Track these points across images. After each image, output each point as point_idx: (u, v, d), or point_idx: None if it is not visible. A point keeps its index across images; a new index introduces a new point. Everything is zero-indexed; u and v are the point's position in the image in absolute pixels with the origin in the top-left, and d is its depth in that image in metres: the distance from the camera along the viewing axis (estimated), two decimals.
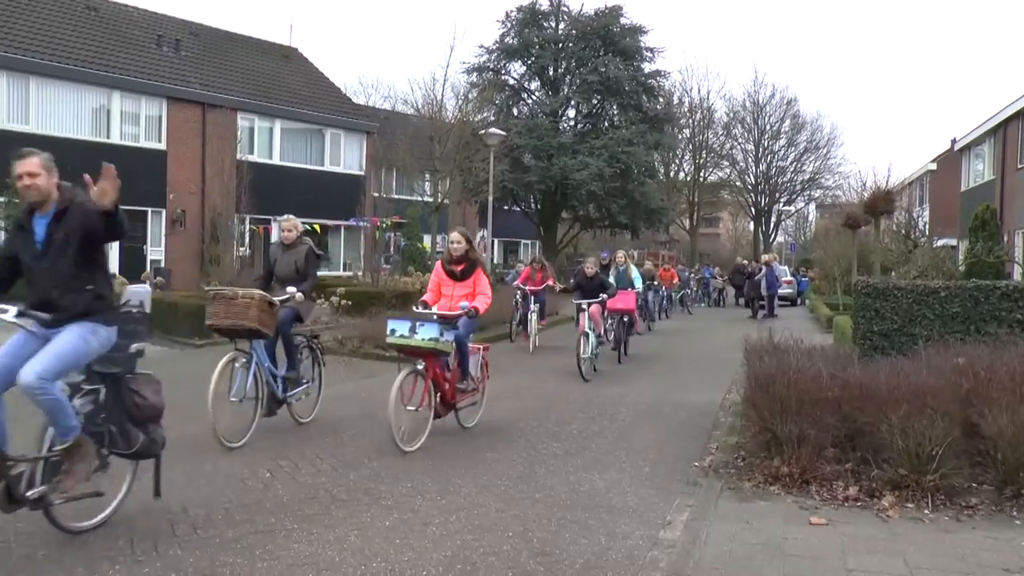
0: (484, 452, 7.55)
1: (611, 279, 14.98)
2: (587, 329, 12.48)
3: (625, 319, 14.68)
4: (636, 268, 17.11)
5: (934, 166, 38.40)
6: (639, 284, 16.18)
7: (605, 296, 13.19)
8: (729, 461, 7.17)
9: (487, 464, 7.12)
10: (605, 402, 10.34)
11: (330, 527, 5.35)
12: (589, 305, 12.89)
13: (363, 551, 4.96)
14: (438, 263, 8.54)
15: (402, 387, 7.38)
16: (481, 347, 8.86)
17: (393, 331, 7.53)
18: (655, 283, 23.70)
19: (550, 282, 17.57)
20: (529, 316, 16.33)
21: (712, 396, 10.89)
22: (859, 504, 5.90)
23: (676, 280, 28.39)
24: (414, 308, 8.42)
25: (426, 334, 7.47)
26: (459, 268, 8.30)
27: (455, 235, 8.45)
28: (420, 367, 7.61)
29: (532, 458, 7.39)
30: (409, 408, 7.50)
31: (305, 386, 8.41)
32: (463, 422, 8.50)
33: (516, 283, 17.66)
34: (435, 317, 7.81)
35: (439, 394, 7.91)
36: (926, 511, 5.73)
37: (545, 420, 9.12)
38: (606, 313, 14.18)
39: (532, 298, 16.57)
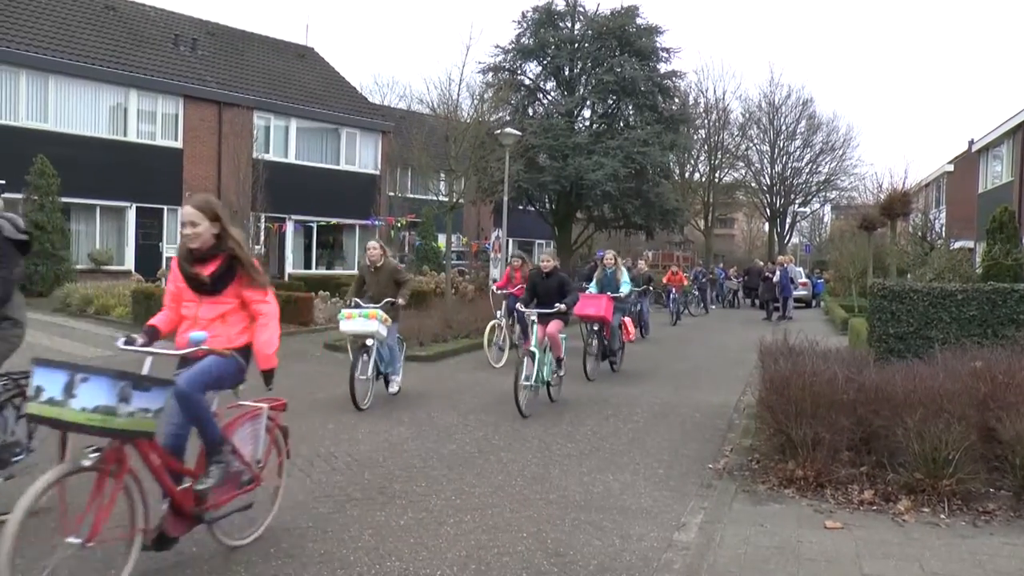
0: (499, 452, 7.55)
1: (593, 282, 13.60)
2: (533, 348, 9.62)
3: (596, 327, 12.44)
4: (628, 272, 14.35)
5: (951, 167, 38.17)
6: (625, 290, 13.19)
7: (563, 306, 10.09)
8: (743, 463, 7.16)
9: (501, 464, 7.12)
10: (619, 403, 10.33)
11: (344, 526, 5.37)
12: (543, 319, 9.99)
13: (377, 550, 4.97)
14: (174, 260, 4.88)
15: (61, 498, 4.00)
16: (264, 405, 5.05)
17: (38, 391, 3.85)
18: (651, 287, 21.44)
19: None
20: (528, 328, 11.30)
21: (727, 398, 10.87)
22: (874, 508, 5.88)
23: (685, 283, 27.16)
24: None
25: (87, 399, 3.83)
26: (207, 270, 4.69)
27: (188, 209, 4.68)
28: (92, 459, 3.94)
29: (546, 459, 7.39)
30: (71, 540, 3.83)
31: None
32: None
33: (496, 287, 14.58)
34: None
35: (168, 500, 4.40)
36: (942, 516, 5.70)
37: (559, 421, 9.11)
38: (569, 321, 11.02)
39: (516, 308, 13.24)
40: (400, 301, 9.67)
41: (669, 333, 21.12)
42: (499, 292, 14.21)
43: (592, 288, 13.35)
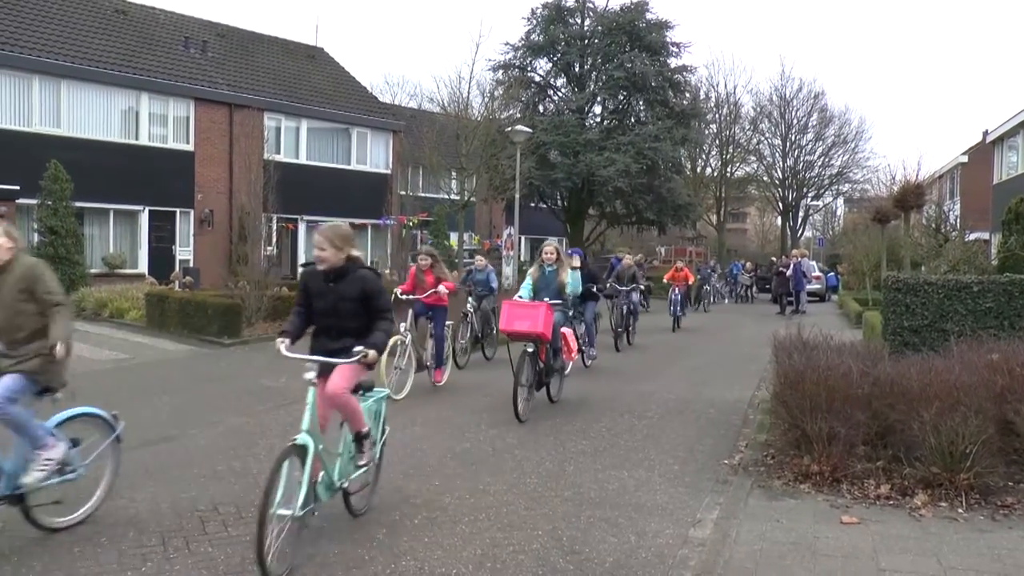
0: (512, 450, 7.55)
1: (526, 284, 9.98)
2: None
3: (530, 349, 9.04)
4: (575, 269, 11.13)
5: (965, 159, 37.91)
6: (571, 290, 10.08)
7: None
8: (759, 459, 7.13)
9: (516, 462, 7.12)
10: (633, 400, 10.31)
11: (359, 525, 5.38)
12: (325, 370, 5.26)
13: (392, 549, 4.98)
14: None
15: None
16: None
17: None
18: (637, 285, 17.10)
19: (445, 288, 10.65)
20: (425, 345, 10.84)
21: (741, 393, 10.83)
22: (891, 503, 5.85)
23: (692, 280, 23.28)
24: None
25: None
26: None
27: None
28: None
29: (561, 456, 7.38)
30: None
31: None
32: None
33: (400, 291, 10.65)
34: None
35: None
36: (960, 510, 5.67)
37: (573, 418, 9.10)
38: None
39: (421, 316, 10.76)
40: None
41: (671, 333, 19.81)
42: (403, 297, 10.59)
43: (524, 291, 9.82)
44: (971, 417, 5.79)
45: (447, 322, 11.04)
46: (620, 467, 7.03)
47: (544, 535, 5.27)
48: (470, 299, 13.37)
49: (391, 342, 9.26)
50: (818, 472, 6.24)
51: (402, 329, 9.98)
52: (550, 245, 10.14)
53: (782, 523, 5.47)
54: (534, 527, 5.42)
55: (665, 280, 22.14)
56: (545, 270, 9.90)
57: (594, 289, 13.12)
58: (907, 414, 6.11)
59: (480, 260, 14.23)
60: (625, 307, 16.23)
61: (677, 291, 20.79)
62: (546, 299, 9.46)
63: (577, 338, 11.37)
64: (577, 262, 12.61)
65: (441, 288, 10.50)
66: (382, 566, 4.71)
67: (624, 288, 16.30)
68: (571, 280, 9.99)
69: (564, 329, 10.18)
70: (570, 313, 10.98)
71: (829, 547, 5.03)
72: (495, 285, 14.10)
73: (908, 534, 5.25)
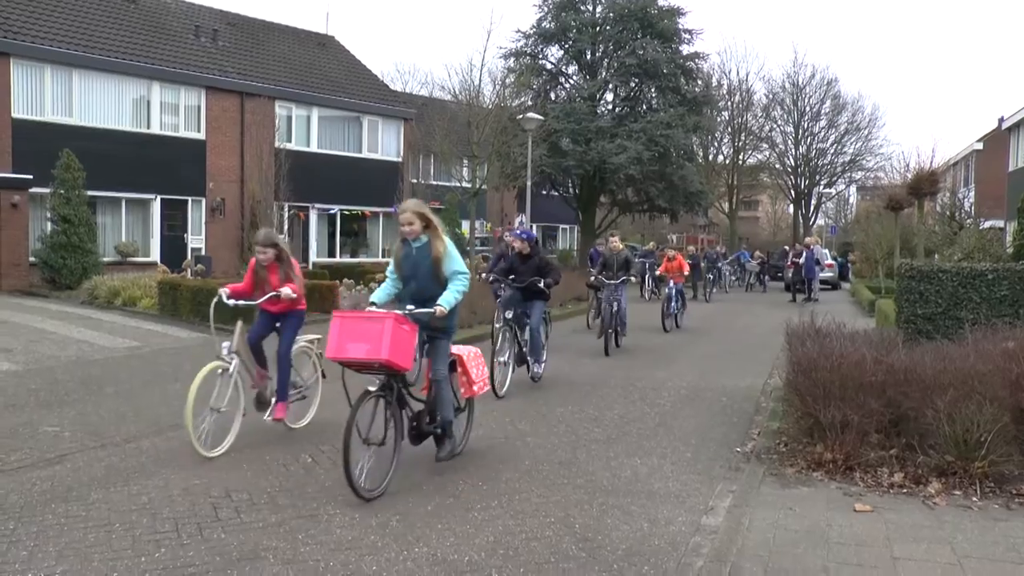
0: (525, 437, 7.55)
1: (389, 271, 6.58)
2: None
3: (373, 388, 5.87)
4: (456, 253, 6.45)
5: (980, 146, 37.63)
6: (450, 270, 6.26)
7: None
8: (771, 447, 7.11)
9: (528, 449, 7.12)
10: (646, 387, 10.30)
11: (372, 512, 5.39)
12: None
13: (405, 536, 4.99)
14: None
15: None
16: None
17: None
18: (632, 275, 14.03)
19: (287, 290, 7.27)
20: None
21: (754, 381, 10.81)
22: (904, 491, 5.82)
23: (686, 270, 19.34)
24: None
25: None
26: None
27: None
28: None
29: (573, 443, 7.38)
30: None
31: None
32: None
33: (229, 292, 7.32)
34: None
35: None
36: (974, 499, 5.64)
37: (586, 405, 9.09)
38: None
39: (259, 332, 7.55)
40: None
41: (669, 333, 17.69)
42: (230, 303, 7.23)
43: (378, 295, 6.35)
44: (986, 405, 5.75)
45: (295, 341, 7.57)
46: (633, 454, 7.02)
47: (557, 522, 5.28)
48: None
49: (203, 372, 6.67)
50: (831, 460, 6.22)
51: (224, 352, 6.96)
52: (407, 211, 6.22)
53: (795, 511, 5.45)
54: (547, 514, 5.42)
55: (658, 273, 19.27)
56: (412, 247, 6.28)
57: (541, 285, 10.15)
58: (921, 402, 6.08)
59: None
60: (616, 304, 13.20)
61: (673, 285, 17.95)
62: (409, 308, 6.03)
63: (496, 356, 9.32)
64: (522, 246, 10.44)
65: (285, 291, 7.21)
66: (395, 552, 4.72)
67: (613, 281, 13.38)
68: (454, 269, 6.23)
69: (460, 348, 6.88)
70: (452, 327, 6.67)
71: (842, 535, 5.01)
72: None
73: (922, 522, 5.23)
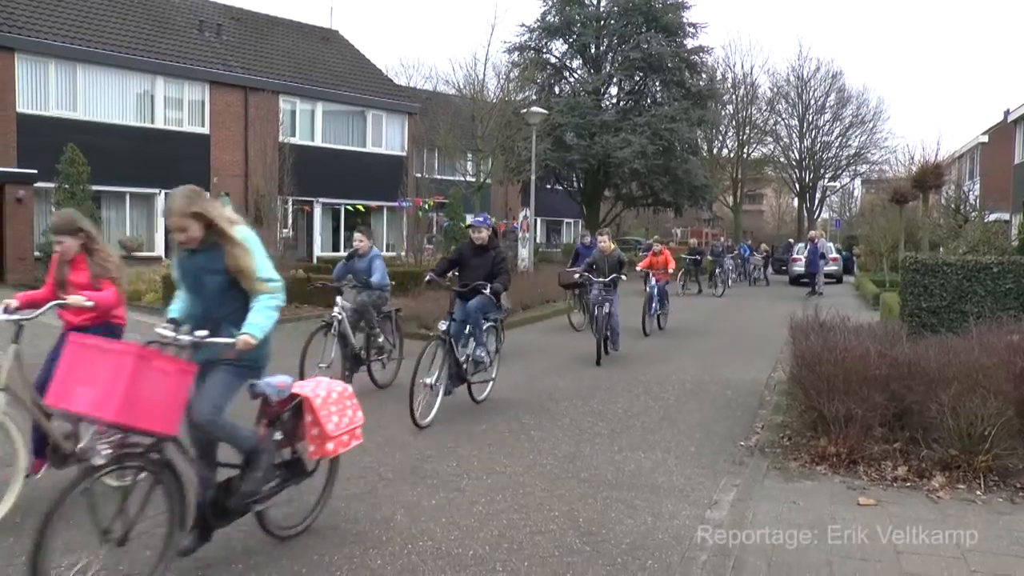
0: (529, 432, 7.56)
1: (176, 301, 4.56)
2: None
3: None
4: (261, 251, 4.38)
5: (985, 138, 37.50)
6: (261, 326, 4.19)
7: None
8: (775, 440, 7.12)
9: (532, 443, 7.13)
10: (650, 381, 10.30)
11: (376, 506, 5.40)
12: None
13: (410, 529, 5.00)
14: None
15: None
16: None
17: None
18: (619, 276, 12.20)
19: (78, 298, 5.23)
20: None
21: (757, 375, 10.80)
22: (908, 485, 5.82)
23: (672, 267, 16.85)
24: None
25: None
26: None
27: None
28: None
29: (577, 437, 7.39)
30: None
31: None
32: None
33: (16, 302, 5.41)
34: None
35: None
36: (978, 492, 5.64)
37: (590, 399, 9.10)
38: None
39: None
40: None
41: (661, 333, 16.34)
42: (6, 318, 5.43)
43: (175, 308, 4.52)
44: (990, 399, 5.75)
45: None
46: (637, 448, 7.03)
47: (561, 516, 5.29)
48: (338, 299, 9.06)
49: None
50: (835, 454, 6.22)
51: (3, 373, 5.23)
52: (174, 215, 4.21)
53: (799, 505, 5.46)
54: (551, 508, 5.43)
55: (640, 268, 16.20)
56: (192, 254, 4.37)
57: (487, 291, 8.27)
58: (925, 396, 6.08)
59: (361, 240, 9.36)
60: (606, 306, 11.80)
61: (654, 282, 15.48)
62: (200, 332, 4.19)
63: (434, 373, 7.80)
64: (481, 234, 8.69)
65: (75, 298, 5.24)
66: (400, 546, 4.74)
67: (602, 280, 12.03)
68: (252, 265, 4.30)
69: (314, 385, 4.90)
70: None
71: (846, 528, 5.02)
72: (379, 278, 9.23)
73: (926, 516, 5.23)
